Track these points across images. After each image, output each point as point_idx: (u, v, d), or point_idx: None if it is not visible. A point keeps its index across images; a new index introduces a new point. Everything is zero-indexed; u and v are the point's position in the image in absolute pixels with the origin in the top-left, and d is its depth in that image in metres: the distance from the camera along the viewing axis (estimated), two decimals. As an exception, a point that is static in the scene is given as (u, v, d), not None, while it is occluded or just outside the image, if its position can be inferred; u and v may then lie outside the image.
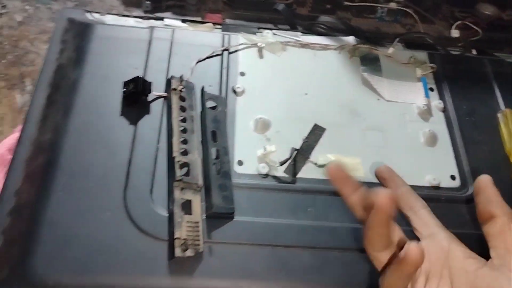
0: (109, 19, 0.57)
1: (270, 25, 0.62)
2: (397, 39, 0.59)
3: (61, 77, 0.50)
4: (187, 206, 0.42)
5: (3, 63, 0.55)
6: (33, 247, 0.40)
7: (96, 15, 0.57)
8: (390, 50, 0.57)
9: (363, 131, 0.50)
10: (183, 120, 0.47)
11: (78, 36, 0.54)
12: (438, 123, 0.52)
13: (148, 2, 0.62)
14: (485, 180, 0.41)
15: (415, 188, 0.47)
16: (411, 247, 0.34)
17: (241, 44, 0.55)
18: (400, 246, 0.37)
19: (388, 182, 0.44)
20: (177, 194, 0.42)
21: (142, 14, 0.60)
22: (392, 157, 0.49)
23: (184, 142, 0.46)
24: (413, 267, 0.35)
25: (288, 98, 0.51)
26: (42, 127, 0.47)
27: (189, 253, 0.39)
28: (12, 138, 0.48)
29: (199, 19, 0.61)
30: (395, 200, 0.35)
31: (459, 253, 0.38)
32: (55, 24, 0.55)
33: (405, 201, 0.42)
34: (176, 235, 0.39)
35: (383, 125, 0.51)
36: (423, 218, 0.41)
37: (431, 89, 0.56)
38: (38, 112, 0.48)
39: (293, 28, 0.61)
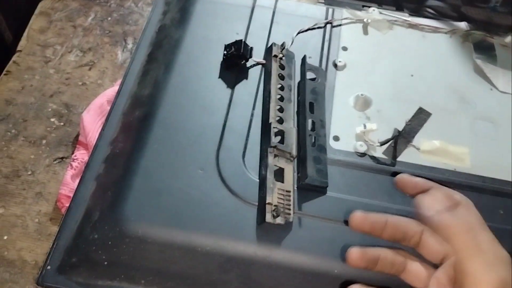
0: (213, -15, 0.57)
1: (374, 5, 0.59)
2: (517, 28, 0.54)
3: (163, 37, 0.51)
4: (279, 174, 0.41)
5: (108, 21, 0.57)
6: (125, 195, 0.40)
7: (200, -19, 0.57)
8: (508, 39, 0.52)
9: (473, 121, 0.46)
10: (281, 88, 0.45)
11: (182, -2, 0.54)
12: (559, 122, 0.47)
13: (251, -28, 0.61)
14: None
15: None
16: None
17: (346, 18, 0.52)
18: None
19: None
20: (271, 160, 0.41)
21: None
22: (503, 151, 0.44)
23: (280, 110, 0.44)
24: None
25: (392, 77, 0.48)
26: (142, 82, 0.48)
27: (279, 220, 0.38)
28: (112, 91, 0.49)
29: (301, -8, 0.59)
30: None
31: None
32: (160, -13, 0.56)
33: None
34: (268, 200, 0.38)
35: (495, 117, 0.47)
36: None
37: (553, 85, 0.50)
38: (138, 68, 0.49)
39: (399, 9, 0.58)
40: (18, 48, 0.53)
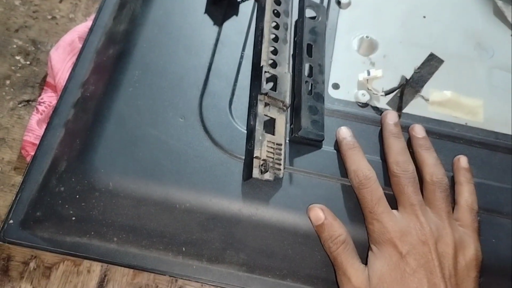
0: None
1: None
2: (545, -34, 0.48)
3: (143, -35, 0.44)
4: (270, 125, 0.36)
5: None
6: (95, 143, 0.35)
7: None
8: (534, -22, 0.46)
9: (489, 70, 0.41)
10: (276, 27, 0.40)
11: None
12: None
13: None
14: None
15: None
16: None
17: (352, -51, 0.46)
18: None
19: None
20: (261, 109, 0.36)
21: None
22: (522, 105, 0.40)
23: (274, 52, 0.39)
24: None
25: (401, 18, 0.43)
26: (118, 17, 0.42)
27: (267, 176, 0.34)
28: (84, 26, 0.43)
29: None
30: None
31: None
32: None
33: None
34: (256, 153, 0.34)
35: (515, 67, 0.42)
36: None
37: None
38: (115, 1, 0.43)
39: None
40: (-21, -25, 0.47)
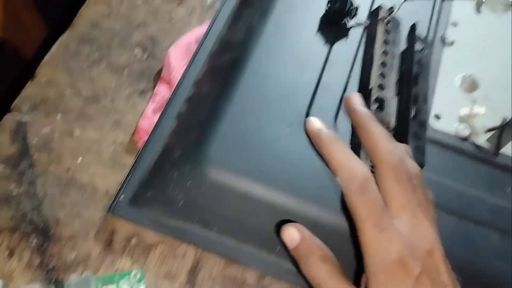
0: None
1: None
2: None
3: (261, -18, 0.48)
4: (373, 144, 0.38)
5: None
6: (210, 138, 0.37)
7: None
8: None
9: None
10: (385, 53, 0.42)
11: None
12: None
13: None
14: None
15: None
16: None
17: (459, -8, 0.48)
18: None
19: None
20: (367, 127, 0.38)
21: None
22: None
23: (382, 76, 0.41)
24: None
25: (504, 61, 0.44)
26: (232, 26, 0.45)
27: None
28: (201, 31, 0.46)
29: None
30: None
31: None
32: None
33: None
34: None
35: None
36: None
37: None
38: (229, 12, 0.47)
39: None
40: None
